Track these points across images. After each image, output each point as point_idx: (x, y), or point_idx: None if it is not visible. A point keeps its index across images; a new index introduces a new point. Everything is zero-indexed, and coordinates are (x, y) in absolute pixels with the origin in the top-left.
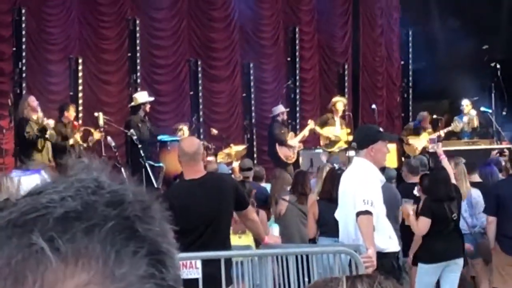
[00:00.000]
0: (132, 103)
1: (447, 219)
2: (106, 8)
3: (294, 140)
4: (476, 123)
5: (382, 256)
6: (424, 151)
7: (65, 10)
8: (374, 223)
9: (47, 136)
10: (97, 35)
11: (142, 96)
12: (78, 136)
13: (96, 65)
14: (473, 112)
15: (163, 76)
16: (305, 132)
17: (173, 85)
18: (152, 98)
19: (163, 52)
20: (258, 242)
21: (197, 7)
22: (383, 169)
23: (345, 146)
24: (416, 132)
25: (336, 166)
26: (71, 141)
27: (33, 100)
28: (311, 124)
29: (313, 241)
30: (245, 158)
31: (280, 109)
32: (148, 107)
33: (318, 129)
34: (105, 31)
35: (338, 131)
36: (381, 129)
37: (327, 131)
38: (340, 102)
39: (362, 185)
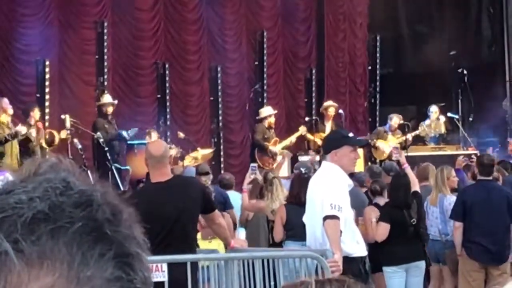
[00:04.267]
0: (97, 103)
1: (406, 224)
2: (76, 10)
3: (277, 147)
4: (443, 129)
5: (349, 260)
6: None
7: (41, 11)
8: (341, 227)
9: (32, 137)
10: (68, 37)
11: (106, 98)
12: (42, 138)
13: (63, 67)
14: (442, 119)
15: (131, 78)
16: (292, 138)
17: (140, 87)
18: (115, 101)
19: (133, 54)
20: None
21: (173, 9)
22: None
23: None
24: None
25: (303, 170)
26: (34, 143)
27: (6, 103)
28: (301, 130)
29: (279, 245)
30: (202, 163)
31: (268, 111)
32: (110, 109)
33: (308, 135)
34: (76, 33)
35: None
36: (349, 134)
37: (318, 136)
38: (332, 107)
39: (330, 189)
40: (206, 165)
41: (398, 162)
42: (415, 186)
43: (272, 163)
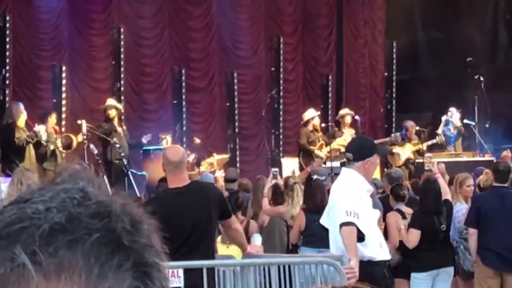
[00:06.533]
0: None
1: (436, 230)
2: (94, 16)
3: (323, 151)
4: (459, 123)
5: (373, 264)
6: (408, 161)
7: (55, 18)
8: (363, 233)
9: (43, 141)
10: (85, 42)
11: (108, 101)
12: (59, 142)
13: (82, 73)
14: (455, 113)
15: (147, 84)
16: (339, 141)
17: (156, 93)
18: (119, 105)
19: (147, 60)
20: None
21: (177, 16)
22: None
23: None
24: (402, 141)
25: (321, 178)
26: (51, 147)
27: (23, 107)
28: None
29: (295, 247)
30: (231, 169)
31: (310, 114)
32: (113, 112)
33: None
34: (93, 39)
35: (346, 135)
36: (374, 142)
37: (336, 143)
38: (348, 116)
39: (347, 196)
40: (235, 171)
41: (430, 170)
42: (447, 195)
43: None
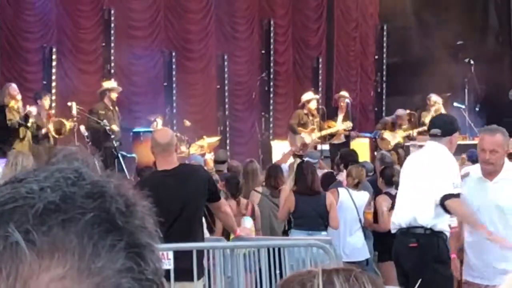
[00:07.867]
0: (99, 90)
1: None
2: None
3: (312, 135)
4: (443, 109)
5: (441, 236)
6: (397, 146)
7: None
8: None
9: (29, 124)
10: (74, 24)
11: (108, 84)
12: (51, 126)
13: (71, 55)
14: (439, 100)
15: (137, 66)
16: (331, 130)
17: (147, 76)
18: (119, 88)
19: (138, 42)
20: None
21: None
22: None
23: (344, 139)
24: (392, 127)
25: (315, 160)
26: (43, 130)
27: (14, 89)
28: (345, 125)
29: (286, 233)
30: (221, 150)
31: (306, 96)
32: (113, 95)
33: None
34: (82, 21)
35: (339, 126)
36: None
37: (327, 132)
38: (345, 99)
39: (451, 168)
40: (224, 153)
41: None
42: None
43: (303, 150)
